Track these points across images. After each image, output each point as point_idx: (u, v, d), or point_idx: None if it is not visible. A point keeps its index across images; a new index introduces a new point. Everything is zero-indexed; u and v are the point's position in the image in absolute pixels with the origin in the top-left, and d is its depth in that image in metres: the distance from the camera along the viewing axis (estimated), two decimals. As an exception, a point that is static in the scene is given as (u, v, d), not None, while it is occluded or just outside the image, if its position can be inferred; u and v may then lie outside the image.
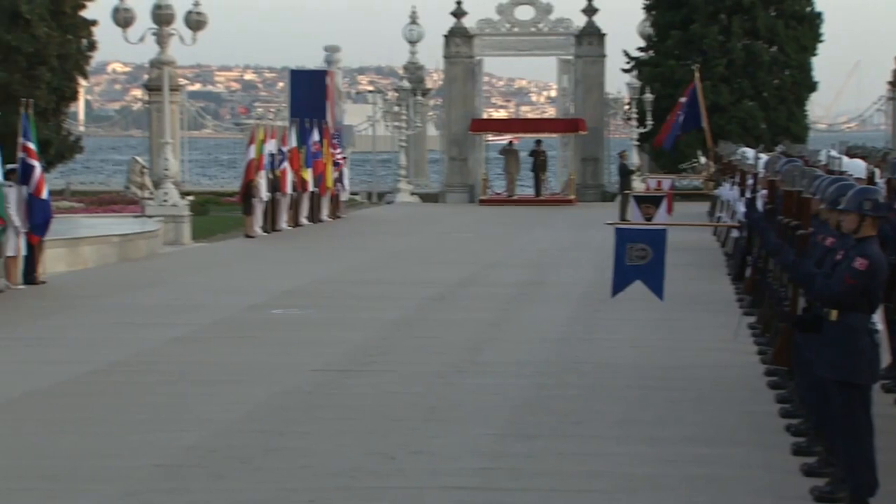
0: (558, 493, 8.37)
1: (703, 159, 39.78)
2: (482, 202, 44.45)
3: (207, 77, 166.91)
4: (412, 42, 50.36)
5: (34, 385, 11.79)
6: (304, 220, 33.62)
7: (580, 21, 46.52)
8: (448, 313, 17.19)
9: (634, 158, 42.03)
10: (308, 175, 33.50)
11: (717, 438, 9.88)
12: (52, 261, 21.00)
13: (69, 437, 9.81)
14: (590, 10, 46.29)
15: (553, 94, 69.95)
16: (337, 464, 8.96)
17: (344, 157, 39.18)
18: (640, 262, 12.09)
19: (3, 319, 16.34)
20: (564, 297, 18.93)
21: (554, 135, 48.99)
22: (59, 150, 38.48)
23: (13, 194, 18.97)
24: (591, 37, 46.35)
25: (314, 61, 53.33)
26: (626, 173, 36.52)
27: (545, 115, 76.40)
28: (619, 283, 12.45)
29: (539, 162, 45.27)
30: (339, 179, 37.35)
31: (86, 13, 39.42)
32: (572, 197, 44.34)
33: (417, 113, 47.96)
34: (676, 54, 44.79)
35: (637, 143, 44.25)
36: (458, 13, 46.63)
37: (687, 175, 41.51)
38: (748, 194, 14.20)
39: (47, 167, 28.97)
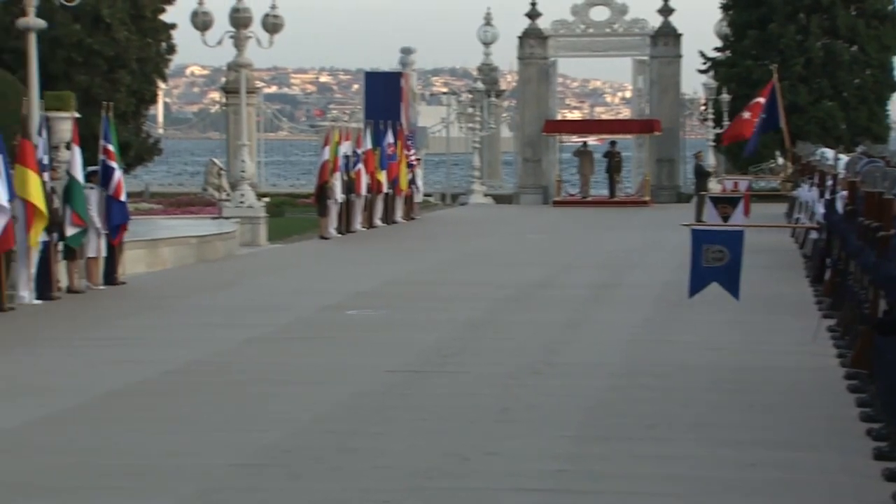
0: (635, 495, 8.30)
1: (780, 160, 39.38)
2: (556, 203, 44.26)
3: (283, 79, 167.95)
4: (486, 43, 50.30)
5: (115, 385, 11.91)
6: (378, 222, 33.71)
7: (656, 21, 46.22)
8: (522, 315, 17.13)
9: (710, 159, 41.67)
10: (383, 177, 33.61)
11: (795, 442, 9.75)
12: (132, 262, 21.23)
13: (149, 435, 9.90)
14: (666, 11, 45.98)
15: (628, 94, 69.64)
16: (411, 464, 8.95)
17: (418, 159, 39.25)
18: (716, 263, 11.99)
19: (84, 320, 16.56)
20: (639, 299, 18.80)
21: (629, 136, 48.63)
22: (138, 152, 38.89)
23: (94, 196, 19.20)
24: (666, 37, 46.00)
25: (389, 63, 53.49)
26: (701, 174, 36.17)
27: (620, 116, 75.96)
28: (696, 285, 12.35)
29: (613, 163, 44.96)
30: (413, 181, 37.41)
31: (165, 17, 39.81)
32: (647, 198, 43.96)
33: (491, 114, 47.93)
34: (754, 54, 44.27)
35: (713, 143, 43.83)
36: (533, 14, 46.49)
37: (764, 176, 41.11)
38: (827, 195, 14.04)
39: (127, 169, 29.29)
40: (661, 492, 8.37)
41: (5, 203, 16.56)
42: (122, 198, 19.62)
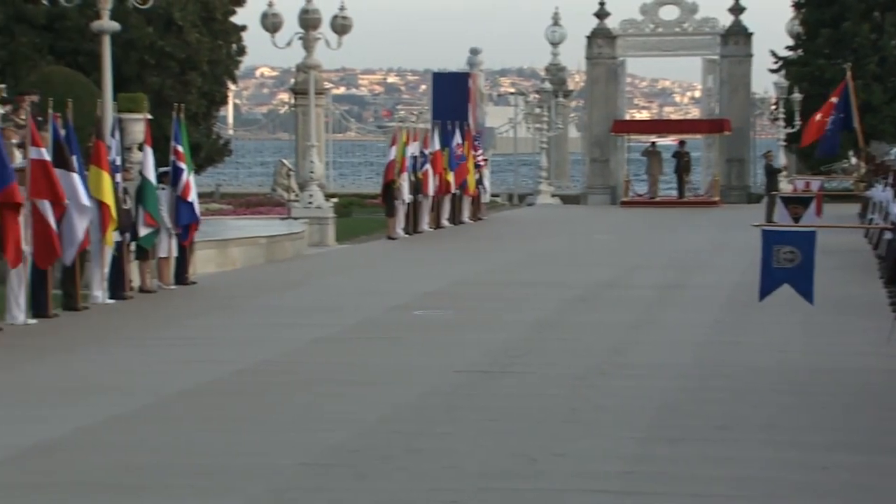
0: (704, 498, 8.23)
1: (853, 160, 38.89)
2: (623, 204, 44.09)
3: (352, 80, 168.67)
4: (554, 44, 50.21)
5: (186, 384, 12.01)
6: (445, 222, 33.76)
7: (726, 20, 45.96)
8: (589, 315, 17.08)
9: (781, 159, 41.26)
10: (451, 177, 33.65)
11: (868, 445, 9.63)
12: (202, 262, 21.43)
13: (219, 434, 9.97)
14: (736, 9, 45.66)
15: (697, 94, 69.13)
16: (478, 465, 8.93)
17: (485, 159, 39.24)
18: (788, 264, 11.87)
19: (156, 319, 16.73)
20: (708, 300, 18.67)
21: (698, 136, 48.33)
22: (208, 153, 39.23)
23: (165, 197, 19.39)
24: (737, 36, 45.66)
25: (457, 64, 53.59)
26: (772, 174, 35.85)
27: (689, 116, 75.40)
28: (767, 287, 12.24)
29: (682, 163, 44.72)
30: (481, 181, 37.41)
31: (235, 19, 40.11)
32: (717, 198, 43.68)
33: (559, 114, 47.81)
34: (826, 53, 43.81)
35: (784, 143, 43.41)
36: (601, 14, 46.33)
37: (837, 176, 40.64)
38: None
39: (197, 170, 29.53)
40: (731, 493, 8.30)
41: (86, 202, 16.77)
42: (190, 198, 19.77)
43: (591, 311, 17.59)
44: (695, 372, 12.78)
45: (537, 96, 48.22)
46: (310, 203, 29.32)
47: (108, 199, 17.44)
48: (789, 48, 46.32)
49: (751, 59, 45.97)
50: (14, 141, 17.59)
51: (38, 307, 16.17)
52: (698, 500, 8.19)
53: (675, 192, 45.76)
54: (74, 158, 16.80)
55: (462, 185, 34.53)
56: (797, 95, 42.71)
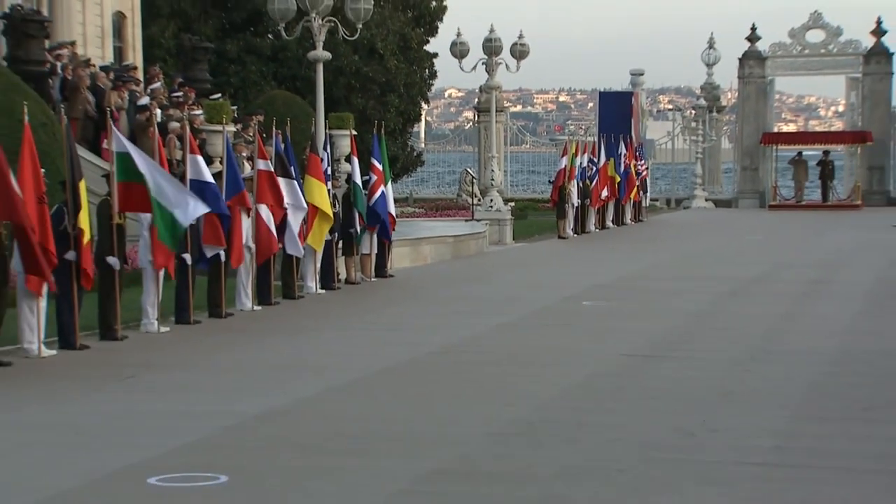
0: (851, 472, 7.97)
1: None
2: (771, 207, 43.29)
3: (527, 99, 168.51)
4: (709, 64, 49.46)
5: (386, 363, 12.17)
6: (609, 224, 33.52)
7: (868, 42, 44.64)
8: (741, 307, 16.74)
9: (918, 167, 39.77)
10: (616, 184, 33.52)
11: None
12: (398, 257, 21.69)
13: (415, 407, 10.09)
14: (878, 32, 44.35)
15: (841, 108, 67.00)
16: (641, 438, 8.84)
17: (646, 168, 38.91)
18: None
19: (359, 307, 17.00)
20: (852, 294, 18.11)
21: (840, 146, 47.00)
22: (404, 164, 39.75)
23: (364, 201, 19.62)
24: (878, 56, 44.33)
25: (621, 83, 52.98)
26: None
27: (833, 129, 73.15)
28: None
29: (826, 170, 43.80)
30: (642, 187, 37.15)
31: (428, 47, 40.56)
32: (858, 202, 42.55)
33: (712, 128, 47.14)
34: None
35: (921, 152, 41.81)
36: (753, 38, 45.57)
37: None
38: None
39: (395, 178, 29.93)
40: (874, 469, 8.03)
41: (304, 205, 17.18)
42: (372, 202, 19.52)
43: (743, 303, 17.23)
44: (839, 358, 12.42)
45: (693, 112, 47.60)
46: (490, 206, 29.46)
47: (322, 204, 17.80)
48: (927, 66, 44.61)
49: (891, 77, 44.55)
50: (244, 154, 18.10)
51: (262, 296, 16.61)
52: (843, 473, 7.94)
53: (818, 197, 44.64)
54: (292, 168, 17.22)
55: (622, 189, 34.26)
56: (934, 109, 41.07)
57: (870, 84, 44.50)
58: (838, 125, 71.01)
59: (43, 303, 12.31)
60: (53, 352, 12.46)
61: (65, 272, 12.53)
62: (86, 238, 12.62)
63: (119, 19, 34.26)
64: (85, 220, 12.62)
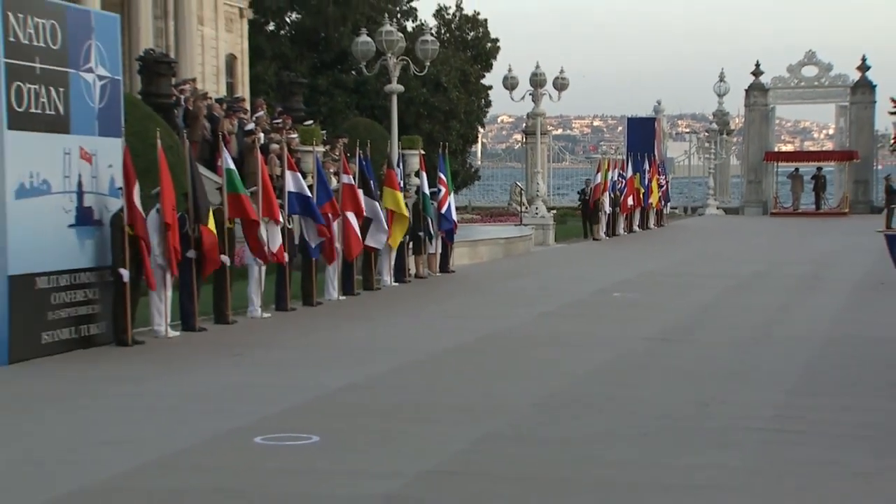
0: (836, 437, 7.85)
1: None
2: (773, 214, 42.80)
3: (567, 124, 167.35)
4: (720, 95, 49.02)
5: (448, 344, 12.16)
6: (636, 228, 33.23)
7: (855, 76, 44.01)
8: (746, 298, 16.52)
9: (898, 181, 39.01)
10: (641, 195, 33.28)
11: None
12: (459, 256, 21.68)
13: (472, 381, 10.05)
14: (863, 68, 43.80)
15: (831, 132, 65.90)
16: (661, 409, 8.76)
17: (667, 181, 38.60)
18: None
19: (426, 298, 16.98)
20: (840, 288, 17.80)
21: (831, 163, 46.29)
22: (463, 178, 39.77)
23: (432, 210, 19.65)
24: (863, 88, 43.74)
25: (645, 110, 52.61)
26: (891, 192, 34.04)
27: (824, 149, 71.97)
28: None
29: (819, 183, 43.29)
30: (663, 197, 36.82)
31: (484, 81, 40.57)
32: (846, 210, 41.98)
33: (723, 147, 46.67)
34: (934, 100, 41.11)
35: (900, 168, 41.08)
36: (757, 72, 45.15)
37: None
38: None
39: (456, 190, 29.90)
40: (859, 434, 7.90)
41: (380, 212, 17.20)
42: (443, 211, 19.80)
43: (748, 295, 17.01)
44: (829, 342, 12.22)
45: (706, 134, 47.17)
46: (536, 213, 29.34)
47: (401, 209, 17.89)
48: (905, 96, 43.81)
49: (874, 105, 43.90)
50: (331, 170, 18.19)
51: (346, 288, 16.68)
52: (832, 438, 7.83)
53: (813, 206, 44.03)
54: (371, 182, 17.28)
55: (646, 198, 34.03)
56: (912, 132, 40.31)
57: (856, 111, 44.03)
58: (829, 146, 69.90)
59: (169, 292, 12.48)
60: (177, 333, 12.63)
61: (187, 267, 12.69)
62: (211, 239, 12.77)
63: (231, 60, 34.64)
64: (211, 225, 12.80)
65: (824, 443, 7.69)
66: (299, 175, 15.32)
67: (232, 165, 13.80)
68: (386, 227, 17.35)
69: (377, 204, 17.14)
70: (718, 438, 7.81)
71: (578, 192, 32.92)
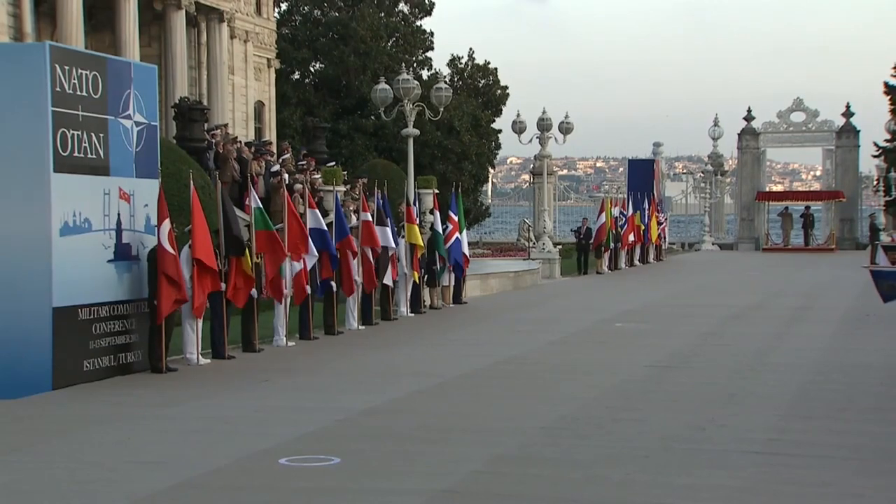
0: (830, 459, 7.76)
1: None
2: (765, 250, 42.62)
3: (572, 165, 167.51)
4: (714, 139, 49.01)
5: (461, 370, 12.13)
6: (637, 262, 33.14)
7: (840, 121, 44.09)
8: (741, 328, 16.42)
9: (881, 219, 39.08)
10: (641, 231, 33.21)
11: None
12: (471, 288, 21.65)
13: (484, 405, 10.01)
14: (848, 114, 43.96)
15: (818, 173, 65.75)
16: (663, 431, 8.69)
17: (665, 219, 38.54)
18: (892, 292, 11.18)
19: (441, 327, 16.93)
20: (829, 318, 17.68)
21: (819, 203, 46.22)
22: (475, 215, 39.79)
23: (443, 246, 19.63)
24: (848, 133, 43.84)
25: (644, 152, 52.65)
26: (875, 230, 33.96)
27: (812, 189, 71.86)
28: (887, 298, 11.62)
29: (808, 221, 43.17)
30: (662, 234, 36.75)
31: (494, 125, 40.71)
32: (833, 246, 41.79)
33: (717, 187, 46.62)
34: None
35: (884, 208, 41.06)
36: (749, 118, 45.28)
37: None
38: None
39: (468, 227, 29.92)
40: (848, 457, 7.81)
41: (394, 245, 17.21)
42: (448, 245, 19.66)
43: (743, 324, 16.91)
44: (820, 369, 12.11)
45: (702, 175, 47.15)
46: (543, 249, 29.31)
47: (419, 240, 17.99)
48: (887, 140, 43.73)
49: (858, 149, 44.05)
50: (351, 208, 18.24)
51: (365, 318, 16.65)
52: (823, 460, 7.75)
53: (802, 242, 43.88)
54: (389, 219, 17.32)
55: (646, 235, 33.95)
56: (893, 174, 40.28)
57: (841, 154, 44.10)
58: (816, 186, 69.83)
59: (200, 323, 12.49)
60: (208, 361, 12.62)
61: (217, 299, 12.71)
62: (247, 272, 12.83)
63: (259, 107, 34.89)
64: (247, 262, 12.84)
65: (817, 464, 7.60)
66: (317, 212, 15.37)
67: (259, 204, 13.86)
68: (397, 263, 17.34)
69: (390, 238, 17.16)
70: (717, 460, 7.73)
71: (573, 231, 32.74)
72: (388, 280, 17.16)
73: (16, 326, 10.51)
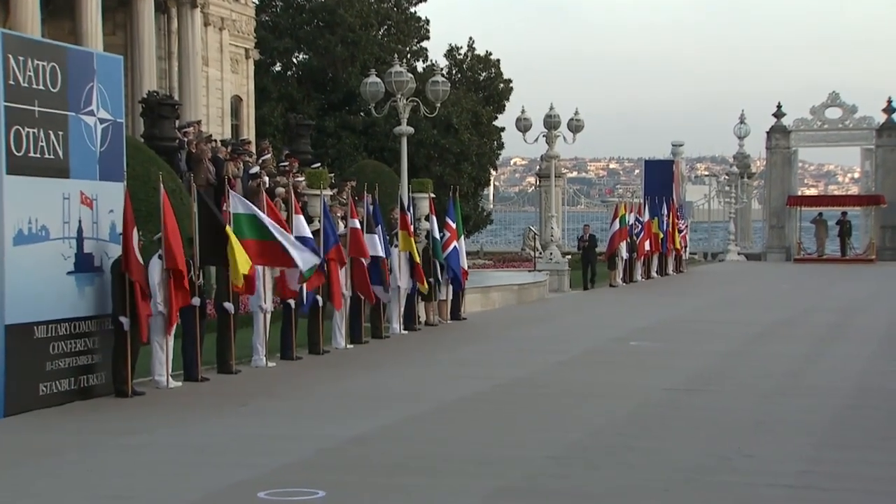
0: (869, 493, 7.76)
1: None
2: (796, 261, 42.63)
3: (582, 166, 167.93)
4: (740, 137, 49.14)
5: (460, 394, 12.13)
6: (654, 274, 33.17)
7: (880, 118, 44.12)
8: (770, 347, 16.44)
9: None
10: (659, 239, 33.27)
11: None
12: (471, 303, 21.66)
13: (485, 432, 10.01)
14: (889, 110, 43.90)
15: (856, 175, 66.00)
16: (683, 462, 8.69)
17: (686, 226, 38.58)
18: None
19: (437, 346, 16.94)
20: (868, 337, 17.70)
21: (857, 208, 46.27)
22: (475, 222, 39.82)
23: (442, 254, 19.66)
24: (890, 130, 43.80)
25: (663, 153, 52.69)
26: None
27: (849, 193, 71.99)
28: None
29: (844, 229, 43.14)
30: (682, 242, 36.80)
31: (496, 123, 40.79)
32: (873, 257, 41.77)
33: (743, 191, 46.70)
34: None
35: (929, 213, 41.00)
36: (779, 114, 45.26)
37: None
38: None
39: (467, 235, 29.95)
40: (889, 491, 7.81)
41: (383, 254, 17.22)
42: (444, 254, 19.65)
43: (772, 343, 16.93)
44: (858, 393, 12.13)
45: (727, 177, 47.19)
46: (550, 259, 29.33)
47: (415, 254, 18.06)
48: (933, 138, 43.89)
49: (901, 148, 43.96)
50: (339, 214, 18.25)
51: (354, 336, 16.65)
52: (862, 494, 7.74)
53: (838, 252, 43.91)
54: (379, 227, 17.33)
55: (665, 244, 33.97)
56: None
57: (882, 154, 43.99)
58: (854, 189, 70.00)
59: (170, 341, 12.49)
60: (179, 383, 12.61)
61: (190, 315, 12.71)
62: (240, 282, 12.84)
63: (236, 102, 34.96)
64: (236, 272, 12.83)
65: (854, 499, 7.61)
66: (301, 218, 15.38)
67: (240, 210, 13.86)
68: (387, 274, 17.37)
69: (378, 247, 17.16)
70: (743, 494, 7.73)
71: (578, 239, 32.36)
72: (381, 294, 17.16)
73: (-35, 345, 10.50)
